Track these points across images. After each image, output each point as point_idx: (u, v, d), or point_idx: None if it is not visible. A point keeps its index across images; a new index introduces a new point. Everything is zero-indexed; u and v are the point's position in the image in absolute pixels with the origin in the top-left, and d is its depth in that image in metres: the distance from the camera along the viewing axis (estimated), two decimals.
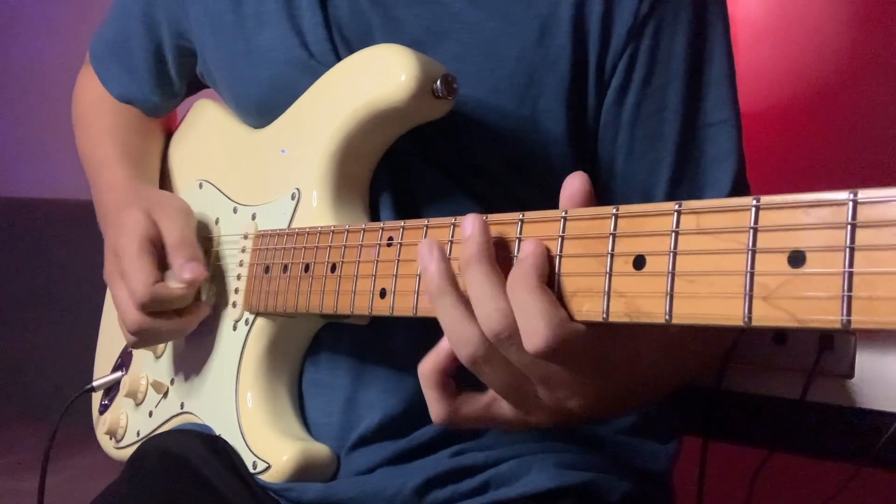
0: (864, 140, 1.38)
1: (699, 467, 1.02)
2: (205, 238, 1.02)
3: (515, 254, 0.60)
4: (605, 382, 0.61)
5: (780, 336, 0.99)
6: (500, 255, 0.60)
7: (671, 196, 0.86)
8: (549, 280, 0.57)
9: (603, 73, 0.84)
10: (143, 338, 0.96)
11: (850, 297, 0.41)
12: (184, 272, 0.92)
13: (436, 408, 0.65)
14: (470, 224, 0.60)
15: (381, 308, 0.71)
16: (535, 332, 0.55)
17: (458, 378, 0.65)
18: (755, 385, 1.01)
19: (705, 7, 0.85)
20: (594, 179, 0.88)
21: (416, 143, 0.87)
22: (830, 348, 0.96)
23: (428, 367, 0.64)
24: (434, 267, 0.62)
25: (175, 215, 0.97)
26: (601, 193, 0.89)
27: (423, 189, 0.88)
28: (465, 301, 0.60)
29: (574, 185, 0.59)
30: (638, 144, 0.86)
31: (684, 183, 0.86)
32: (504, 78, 0.84)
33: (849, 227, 0.42)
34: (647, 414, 0.92)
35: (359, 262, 0.74)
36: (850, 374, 0.95)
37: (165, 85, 1.13)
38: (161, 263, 0.94)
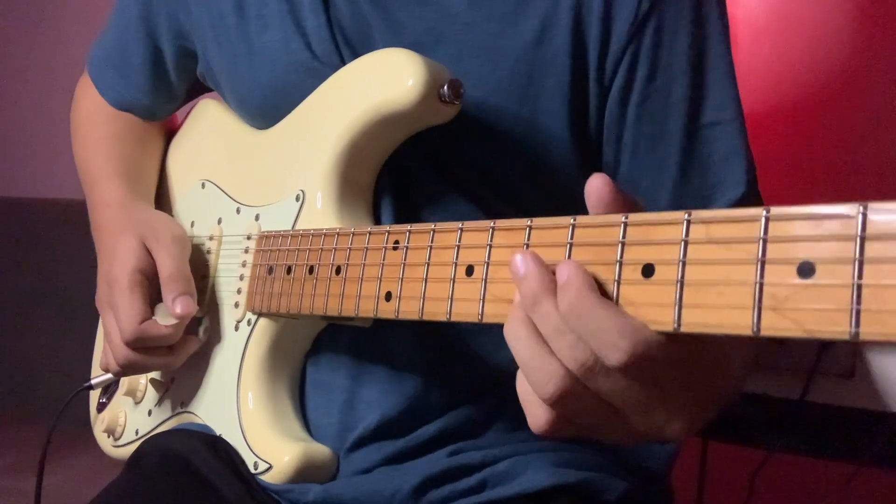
0: (864, 140, 1.38)
1: (699, 467, 1.03)
2: (206, 239, 1.02)
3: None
4: (700, 390, 0.57)
5: None
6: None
7: (678, 195, 0.86)
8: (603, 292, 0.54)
9: (604, 72, 0.84)
10: (129, 371, 0.97)
11: (858, 310, 0.42)
12: (175, 307, 0.92)
13: (538, 417, 0.60)
14: (522, 264, 0.56)
15: (387, 311, 0.71)
16: (614, 346, 0.51)
17: None
18: (755, 385, 1.02)
19: (705, 4, 0.85)
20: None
21: (417, 145, 0.87)
22: (830, 349, 0.96)
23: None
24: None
25: (170, 247, 0.96)
26: None
27: (423, 192, 0.88)
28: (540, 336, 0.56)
29: (596, 184, 0.56)
30: (643, 143, 0.86)
31: (692, 181, 0.86)
32: (503, 78, 0.84)
33: (858, 239, 0.42)
34: None
35: (364, 264, 0.75)
36: (850, 374, 0.95)
37: (163, 87, 1.13)
38: (153, 294, 0.95)
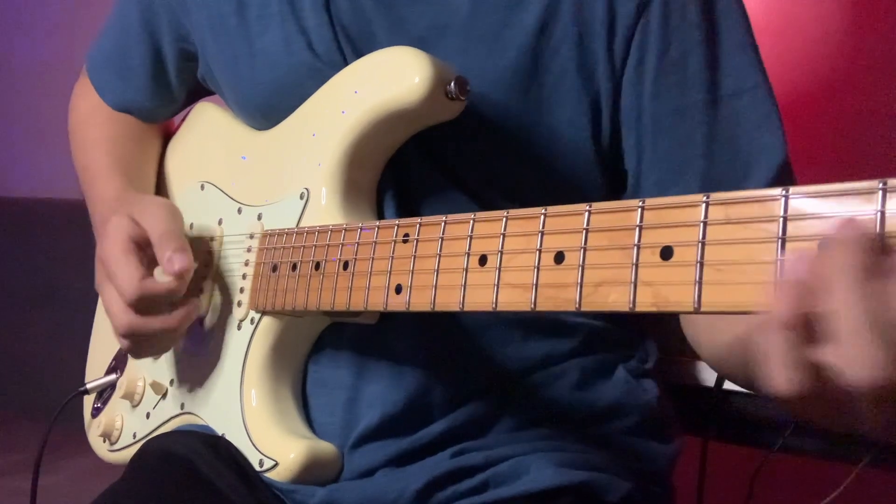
0: (865, 140, 1.40)
1: (699, 467, 1.03)
2: (207, 239, 1.02)
3: (537, 264, 0.59)
4: None
5: None
6: None
7: (706, 172, 0.84)
8: None
9: (614, 54, 0.84)
10: (135, 341, 0.93)
11: None
12: (172, 264, 0.88)
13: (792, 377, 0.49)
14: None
15: (397, 304, 0.71)
16: None
17: None
18: None
19: None
20: (620, 169, 0.87)
21: (421, 141, 0.87)
22: None
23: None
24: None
25: (156, 211, 0.94)
26: (631, 180, 0.88)
27: (425, 188, 0.89)
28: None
29: None
30: (664, 121, 0.84)
31: (720, 156, 0.84)
32: (507, 68, 0.84)
33: (878, 213, 0.43)
34: (649, 414, 0.93)
35: (373, 258, 0.75)
36: None
37: (163, 89, 1.13)
38: (149, 261, 0.92)
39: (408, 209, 0.89)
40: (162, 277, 0.90)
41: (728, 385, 1.02)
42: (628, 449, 0.92)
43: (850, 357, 0.43)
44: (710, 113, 0.84)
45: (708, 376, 1.05)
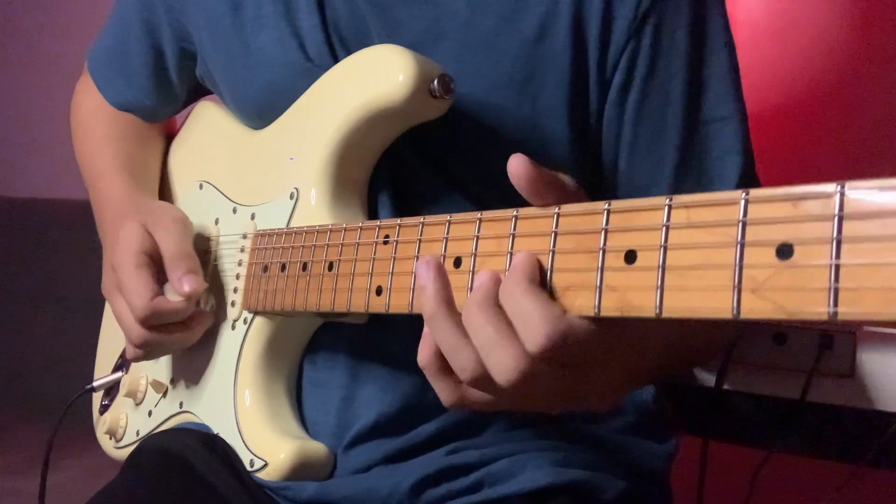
0: (865, 140, 1.38)
1: (699, 467, 1.02)
2: (204, 239, 1.02)
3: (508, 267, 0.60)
4: (611, 375, 0.61)
5: (780, 336, 0.99)
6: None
7: (674, 192, 0.85)
8: (542, 282, 0.57)
9: (604, 70, 0.84)
10: (148, 351, 0.95)
11: (837, 289, 0.41)
12: (182, 285, 0.91)
13: (444, 395, 0.64)
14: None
15: (377, 305, 0.71)
16: (536, 330, 0.54)
17: None
18: (755, 385, 1.01)
19: (705, 3, 0.85)
20: (597, 179, 0.88)
21: (416, 142, 0.87)
22: (830, 348, 0.96)
23: (425, 356, 0.63)
24: (431, 288, 0.61)
25: (172, 227, 0.96)
26: (605, 192, 0.89)
27: (421, 189, 0.88)
28: (460, 325, 0.60)
29: (513, 169, 0.60)
30: (641, 141, 0.86)
31: (689, 180, 0.85)
32: (502, 76, 0.84)
33: (836, 218, 0.42)
34: (645, 413, 0.92)
35: (356, 260, 0.75)
36: (851, 374, 0.94)
37: (165, 88, 1.13)
38: (159, 276, 0.93)
39: (404, 211, 0.88)
40: (172, 295, 0.92)
41: (728, 385, 1.01)
42: (624, 448, 0.91)
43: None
44: (684, 138, 0.85)
45: (707, 376, 1.04)
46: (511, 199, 0.88)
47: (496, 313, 0.57)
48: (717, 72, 0.85)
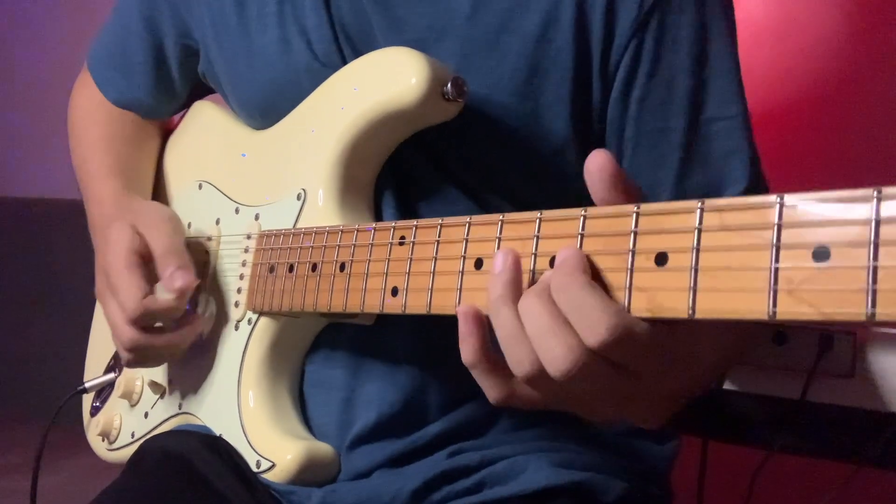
0: (865, 140, 1.39)
1: (699, 467, 1.03)
2: (205, 239, 1.02)
3: (532, 268, 0.60)
4: (662, 387, 0.60)
5: (780, 336, 0.99)
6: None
7: (679, 192, 0.86)
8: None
9: (607, 67, 0.84)
10: (139, 355, 0.94)
11: (875, 290, 0.42)
12: (173, 281, 0.90)
13: (493, 392, 0.63)
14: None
15: (393, 306, 0.71)
16: (597, 322, 0.53)
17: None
18: (755, 385, 1.02)
19: (709, 2, 0.85)
20: None
21: (420, 143, 0.87)
22: (830, 348, 0.96)
23: (474, 354, 0.61)
24: (507, 275, 0.59)
25: (160, 225, 0.95)
26: None
27: (425, 190, 0.88)
28: (520, 317, 0.58)
29: (596, 161, 0.57)
30: (644, 139, 0.86)
31: (692, 178, 0.85)
32: (505, 74, 0.84)
33: (873, 222, 0.43)
34: None
35: (369, 260, 0.74)
36: (850, 374, 0.95)
37: (165, 86, 1.12)
38: (151, 276, 0.93)
39: (407, 210, 0.89)
40: (163, 294, 0.91)
41: (728, 385, 1.02)
42: (624, 449, 0.92)
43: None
44: (688, 137, 0.85)
45: None
46: (513, 199, 0.89)
47: (553, 305, 0.56)
48: (721, 70, 0.85)
